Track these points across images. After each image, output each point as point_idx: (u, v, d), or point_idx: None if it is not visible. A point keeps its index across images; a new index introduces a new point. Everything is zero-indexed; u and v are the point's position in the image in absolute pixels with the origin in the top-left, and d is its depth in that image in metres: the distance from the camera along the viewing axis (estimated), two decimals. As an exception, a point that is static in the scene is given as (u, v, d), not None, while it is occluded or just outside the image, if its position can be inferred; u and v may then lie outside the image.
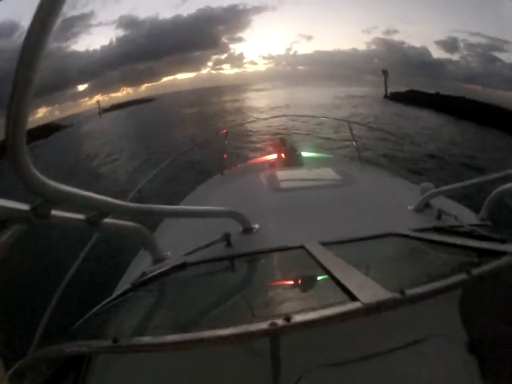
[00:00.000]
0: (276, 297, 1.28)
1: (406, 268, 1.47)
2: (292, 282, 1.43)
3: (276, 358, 1.05)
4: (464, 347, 1.46)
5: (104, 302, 1.46)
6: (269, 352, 1.15)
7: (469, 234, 1.65)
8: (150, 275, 1.46)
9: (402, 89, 40.21)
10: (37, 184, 0.79)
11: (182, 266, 1.52)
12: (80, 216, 1.10)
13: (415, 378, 1.37)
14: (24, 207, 0.84)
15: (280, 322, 0.78)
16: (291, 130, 15.93)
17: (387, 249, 1.69)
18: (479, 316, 1.47)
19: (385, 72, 45.58)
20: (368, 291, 0.89)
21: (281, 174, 3.08)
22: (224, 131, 4.38)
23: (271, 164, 3.82)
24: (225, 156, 4.04)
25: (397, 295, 0.86)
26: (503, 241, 1.38)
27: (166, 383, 1.33)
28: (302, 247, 1.54)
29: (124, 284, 1.66)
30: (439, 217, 2.03)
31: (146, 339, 0.81)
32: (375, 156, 10.52)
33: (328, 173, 3.05)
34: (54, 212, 0.94)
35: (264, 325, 0.79)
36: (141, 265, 1.74)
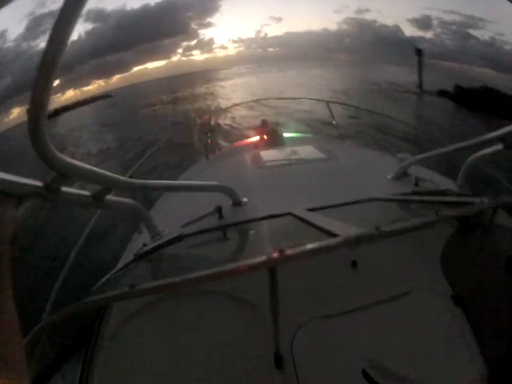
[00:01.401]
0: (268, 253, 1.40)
1: (385, 220, 1.55)
2: (283, 242, 1.48)
3: (274, 290, 1.17)
4: (447, 299, 1.59)
5: (109, 274, 1.56)
6: (268, 305, 1.26)
7: (445, 195, 1.77)
8: (150, 247, 1.54)
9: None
10: (53, 158, 0.84)
11: (179, 238, 1.60)
12: (87, 193, 1.17)
13: (402, 328, 1.49)
14: (37, 183, 0.88)
15: (275, 254, 0.92)
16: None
17: (369, 211, 1.78)
18: (460, 269, 1.57)
19: (419, 52, 27.84)
20: (348, 230, 0.99)
21: (265, 153, 3.15)
22: (207, 117, 4.37)
23: (254, 145, 3.85)
24: (208, 141, 4.05)
25: (373, 231, 0.95)
26: (477, 195, 1.46)
27: (170, 350, 1.43)
28: (289, 213, 1.63)
29: (127, 257, 1.74)
30: (416, 184, 2.12)
31: (158, 282, 0.93)
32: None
33: (309, 150, 3.13)
34: (64, 189, 0.99)
35: (262, 258, 0.92)
36: (141, 240, 1.81)
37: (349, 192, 2.00)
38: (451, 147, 1.85)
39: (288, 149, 3.36)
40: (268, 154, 3.12)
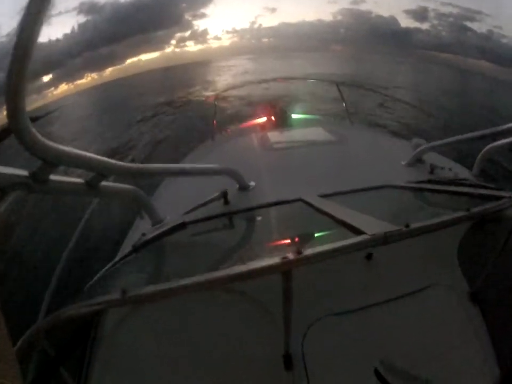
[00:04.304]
0: (279, 247, 1.26)
1: (407, 212, 1.48)
2: (294, 231, 1.42)
3: (289, 294, 1.02)
4: (464, 296, 1.50)
5: (107, 266, 1.44)
6: (279, 306, 1.12)
7: (464, 185, 1.65)
8: (150, 236, 1.45)
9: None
10: (38, 145, 0.78)
11: (182, 225, 1.50)
12: (79, 180, 1.10)
13: (416, 325, 1.41)
14: (23, 172, 0.85)
15: (291, 256, 0.78)
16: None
17: (385, 199, 1.69)
18: (479, 265, 1.48)
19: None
20: (374, 226, 0.89)
21: (273, 134, 3.03)
22: (213, 96, 4.27)
23: (262, 127, 3.73)
24: (214, 121, 3.93)
25: (402, 228, 0.87)
26: (498, 189, 1.39)
27: (174, 349, 1.33)
28: (300, 199, 1.54)
29: (126, 247, 1.63)
30: (431, 172, 2.03)
31: (153, 287, 0.78)
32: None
33: (319, 132, 3.02)
34: (53, 177, 0.93)
35: (276, 260, 0.78)
36: (142, 228, 1.69)
37: (361, 178, 1.91)
38: (468, 135, 1.77)
39: (297, 131, 3.26)
40: (276, 136, 2.99)
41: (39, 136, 0.77)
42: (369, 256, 1.54)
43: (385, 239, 0.83)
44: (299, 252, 0.78)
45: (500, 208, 1.06)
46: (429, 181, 1.84)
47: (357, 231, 0.88)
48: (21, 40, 0.62)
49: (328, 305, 1.44)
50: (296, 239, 1.28)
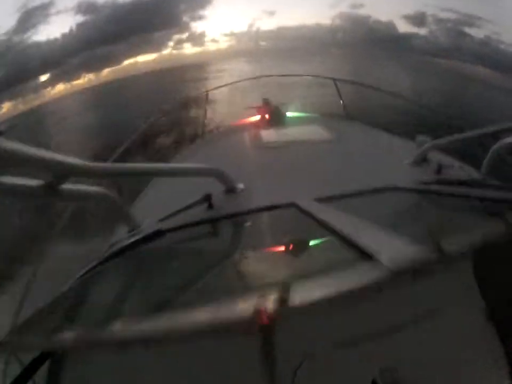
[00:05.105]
0: (267, 265, 1.06)
1: (423, 222, 1.25)
2: (284, 245, 1.19)
3: (268, 354, 0.85)
4: (481, 315, 1.29)
5: (78, 274, 1.27)
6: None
7: (477, 186, 1.50)
8: (120, 246, 1.29)
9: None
10: None
11: (158, 233, 1.34)
12: (36, 182, 0.96)
13: (428, 353, 1.18)
14: None
15: (269, 305, 0.52)
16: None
17: (392, 204, 1.49)
18: (494, 281, 1.32)
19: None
20: (392, 249, 0.63)
21: (266, 133, 2.89)
22: (204, 93, 4.17)
23: (255, 125, 3.58)
24: (205, 119, 3.80)
25: (434, 254, 0.60)
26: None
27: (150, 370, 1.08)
28: (293, 204, 1.35)
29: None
30: (438, 171, 1.86)
31: (107, 331, 0.59)
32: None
33: (315, 131, 2.86)
34: (1, 178, 0.84)
35: (246, 313, 0.52)
36: (121, 233, 1.53)
37: (361, 179, 1.74)
38: (476, 132, 1.66)
39: (292, 129, 3.10)
40: (269, 134, 2.85)
41: None
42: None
43: (411, 272, 0.58)
44: (284, 300, 0.52)
45: None
46: (437, 181, 1.68)
47: (364, 254, 0.63)
48: None
49: (326, 334, 1.17)
50: (289, 252, 1.06)
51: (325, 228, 0.94)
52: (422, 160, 2.01)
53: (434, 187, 1.54)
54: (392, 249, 0.62)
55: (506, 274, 1.21)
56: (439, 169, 1.86)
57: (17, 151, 0.79)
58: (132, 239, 1.32)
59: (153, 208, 1.85)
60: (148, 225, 1.45)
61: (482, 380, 1.19)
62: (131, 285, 1.15)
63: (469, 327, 1.27)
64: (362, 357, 1.15)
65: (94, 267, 1.28)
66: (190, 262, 1.15)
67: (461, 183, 1.60)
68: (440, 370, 1.14)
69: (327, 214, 1.06)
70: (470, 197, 1.29)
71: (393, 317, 1.20)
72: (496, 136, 1.69)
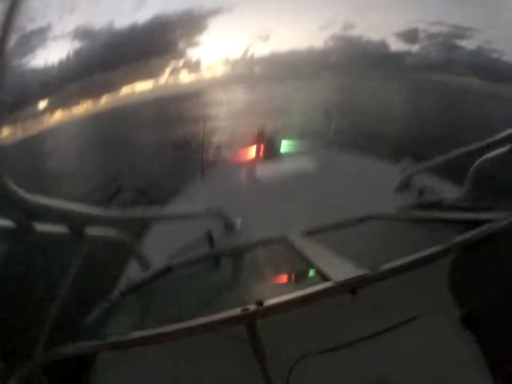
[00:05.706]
0: (259, 291, 1.34)
1: (384, 247, 1.48)
2: (273, 274, 1.50)
3: (257, 346, 0.99)
4: (455, 322, 1.43)
5: (98, 309, 1.47)
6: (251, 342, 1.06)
7: (453, 208, 1.66)
8: (137, 281, 1.48)
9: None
10: (18, 199, 0.79)
11: (168, 269, 1.55)
12: (64, 228, 1.11)
13: (408, 358, 1.30)
14: (7, 223, 0.85)
15: (252, 307, 0.80)
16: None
17: (367, 232, 1.71)
18: (470, 288, 1.46)
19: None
20: (341, 270, 0.91)
21: (261, 169, 3.12)
22: (201, 127, 4.35)
23: (251, 159, 3.83)
24: (203, 155, 3.96)
25: (368, 272, 0.87)
26: (488, 209, 1.36)
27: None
28: (283, 238, 1.55)
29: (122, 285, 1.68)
30: (421, 194, 2.02)
31: (132, 335, 0.85)
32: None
33: (307, 163, 3.08)
34: (38, 226, 0.95)
35: (236, 311, 0.81)
36: (133, 271, 1.71)
37: (349, 207, 1.93)
38: (458, 151, 1.77)
39: (285, 162, 3.34)
40: (264, 170, 3.10)
41: (18, 189, 0.77)
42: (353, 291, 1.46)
43: (349, 286, 0.83)
44: (260, 303, 0.78)
45: (485, 233, 1.03)
46: (417, 206, 1.84)
47: (324, 277, 0.89)
48: None
49: (311, 343, 1.31)
50: (276, 280, 1.28)
51: (302, 258, 1.19)
52: (406, 184, 2.15)
53: (414, 213, 1.69)
54: (339, 270, 0.89)
55: (480, 281, 1.34)
56: (421, 192, 2.00)
57: (46, 203, 0.91)
58: (146, 276, 1.49)
59: (162, 243, 2.01)
60: (159, 261, 1.64)
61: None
62: (145, 315, 1.40)
63: (447, 337, 1.38)
64: (344, 364, 1.29)
65: (113, 301, 1.46)
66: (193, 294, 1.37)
67: (438, 206, 1.73)
68: (418, 375, 1.25)
69: (307, 245, 1.27)
70: (445, 221, 1.45)
71: (370, 325, 1.36)
72: (480, 152, 1.80)
